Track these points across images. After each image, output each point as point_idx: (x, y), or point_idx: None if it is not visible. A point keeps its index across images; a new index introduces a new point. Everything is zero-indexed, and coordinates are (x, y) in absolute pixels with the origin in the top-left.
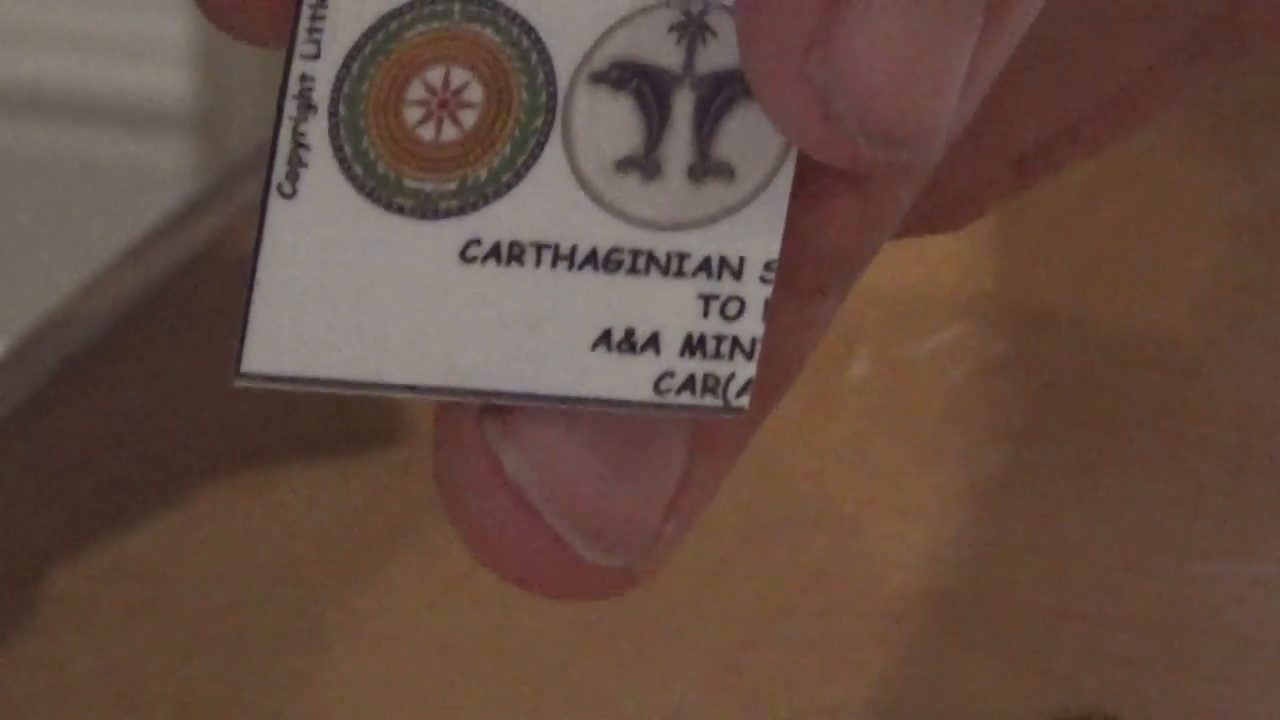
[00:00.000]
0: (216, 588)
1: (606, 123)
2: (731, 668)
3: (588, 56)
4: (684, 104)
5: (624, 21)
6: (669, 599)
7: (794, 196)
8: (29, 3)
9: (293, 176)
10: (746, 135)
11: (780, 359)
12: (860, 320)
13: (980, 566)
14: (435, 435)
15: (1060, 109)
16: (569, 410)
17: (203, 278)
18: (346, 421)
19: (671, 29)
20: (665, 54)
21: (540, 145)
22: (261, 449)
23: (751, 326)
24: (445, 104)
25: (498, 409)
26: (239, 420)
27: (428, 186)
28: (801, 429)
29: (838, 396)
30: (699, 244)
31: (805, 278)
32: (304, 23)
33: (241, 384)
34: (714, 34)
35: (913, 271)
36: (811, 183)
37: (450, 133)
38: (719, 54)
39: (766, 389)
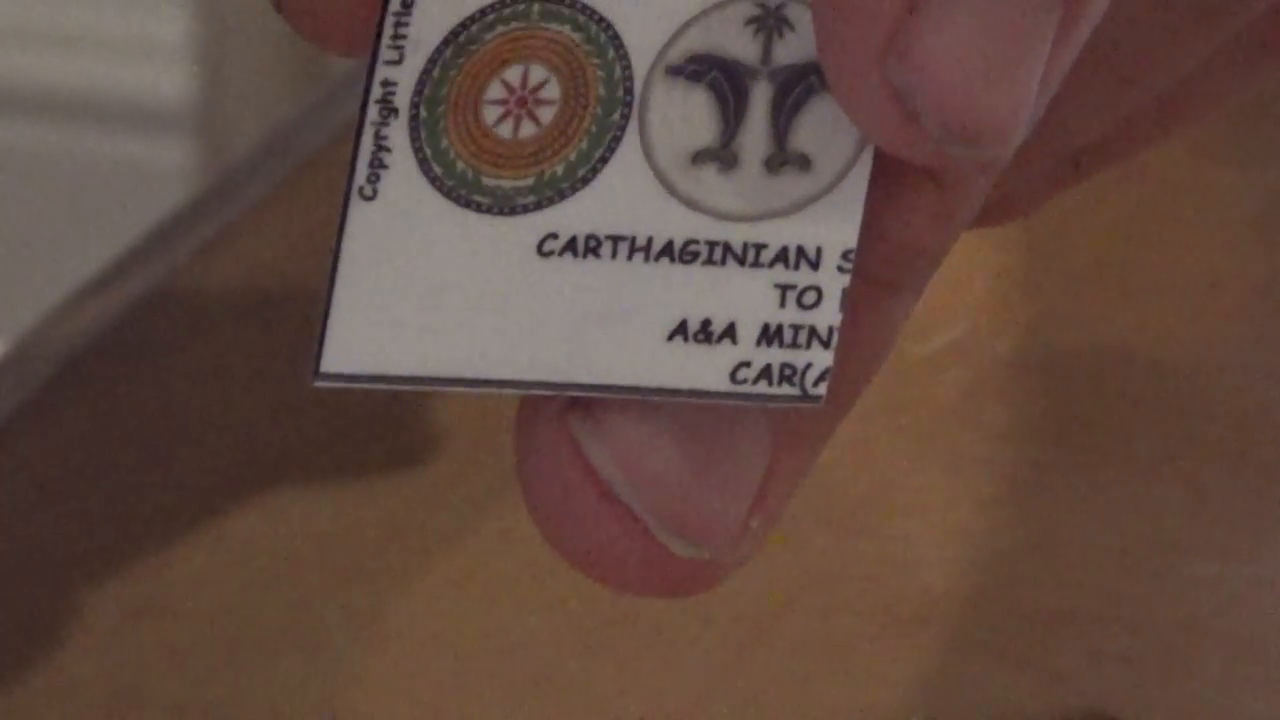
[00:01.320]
0: (216, 588)
1: (683, 115)
2: (731, 668)
3: (664, 50)
4: (761, 96)
5: (700, 15)
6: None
7: (871, 190)
8: (29, 3)
9: (373, 179)
10: (824, 126)
11: (859, 354)
12: None
13: (981, 566)
14: (516, 430)
15: (1118, 105)
16: (647, 402)
17: (203, 278)
18: (346, 421)
19: (748, 22)
20: (742, 47)
21: (617, 139)
22: (261, 449)
23: (829, 316)
24: (524, 102)
25: (582, 403)
26: (239, 420)
27: (505, 183)
28: None
29: None
30: (776, 234)
31: (883, 271)
32: (388, 30)
33: (321, 384)
34: (791, 27)
35: None
36: (889, 177)
37: (528, 130)
38: (796, 47)
39: (846, 384)
